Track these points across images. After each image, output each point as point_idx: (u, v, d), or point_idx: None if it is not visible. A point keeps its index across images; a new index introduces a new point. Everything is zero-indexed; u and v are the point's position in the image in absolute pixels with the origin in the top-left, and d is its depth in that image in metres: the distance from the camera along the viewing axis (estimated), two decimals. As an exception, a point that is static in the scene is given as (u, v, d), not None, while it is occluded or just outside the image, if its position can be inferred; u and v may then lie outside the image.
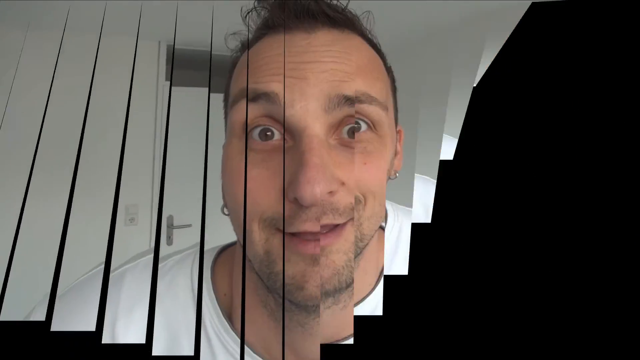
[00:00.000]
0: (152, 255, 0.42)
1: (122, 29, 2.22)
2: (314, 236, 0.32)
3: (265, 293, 0.36)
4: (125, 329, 0.38)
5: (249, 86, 0.34)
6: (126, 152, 2.10)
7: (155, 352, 0.37)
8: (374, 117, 0.35)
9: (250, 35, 0.39)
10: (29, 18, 2.01)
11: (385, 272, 0.44)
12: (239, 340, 0.37)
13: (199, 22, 1.99)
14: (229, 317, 0.39)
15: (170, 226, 2.13)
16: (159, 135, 2.18)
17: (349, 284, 0.34)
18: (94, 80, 2.05)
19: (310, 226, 0.32)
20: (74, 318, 0.39)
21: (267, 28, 0.37)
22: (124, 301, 0.39)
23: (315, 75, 0.33)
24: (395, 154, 0.42)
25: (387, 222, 0.46)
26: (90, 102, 2.08)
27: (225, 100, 0.41)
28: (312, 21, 0.36)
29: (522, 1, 1.60)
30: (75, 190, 1.94)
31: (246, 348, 0.38)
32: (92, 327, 0.38)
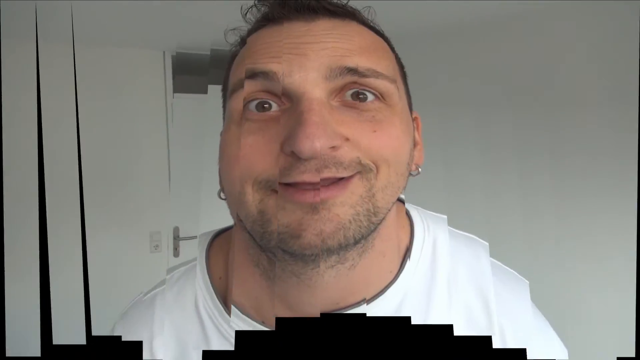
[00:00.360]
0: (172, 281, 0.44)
1: (126, 37, 2.27)
2: (314, 186, 0.29)
3: (258, 252, 0.34)
4: (161, 346, 0.40)
5: (247, 66, 0.33)
6: (143, 178, 2.15)
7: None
8: (381, 89, 0.33)
9: (249, 28, 0.39)
10: (34, 31, 2.02)
11: (419, 320, 0.35)
12: (231, 323, 0.37)
13: (200, 24, 2.01)
14: (224, 301, 0.38)
15: (177, 238, 2.20)
16: (172, 153, 2.17)
17: (358, 240, 0.31)
18: (106, 104, 2.04)
19: (308, 177, 0.29)
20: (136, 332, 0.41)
21: (267, 20, 0.37)
22: (157, 322, 0.41)
23: (315, 52, 0.32)
24: (415, 144, 0.38)
25: (414, 236, 0.40)
26: (102, 130, 2.07)
27: (224, 90, 0.40)
28: (312, 13, 0.35)
29: (528, 1, 1.59)
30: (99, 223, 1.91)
31: (235, 309, 0.36)
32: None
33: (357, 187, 0.31)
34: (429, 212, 0.43)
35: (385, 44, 0.38)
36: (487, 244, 0.42)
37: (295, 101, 0.31)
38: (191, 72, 2.59)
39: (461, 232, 0.43)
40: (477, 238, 0.43)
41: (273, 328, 0.34)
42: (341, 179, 0.30)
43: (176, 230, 2.11)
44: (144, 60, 2.19)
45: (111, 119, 2.15)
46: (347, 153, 0.30)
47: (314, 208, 0.29)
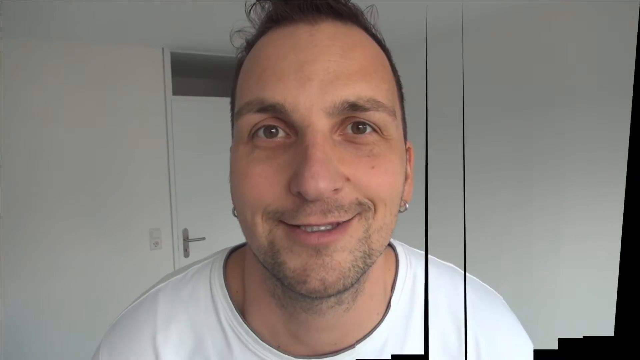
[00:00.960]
0: (178, 276, 0.46)
1: (125, 36, 2.26)
2: (318, 227, 0.32)
3: (273, 282, 0.38)
4: (164, 341, 0.42)
5: (255, 94, 0.34)
6: (142, 176, 2.16)
7: (185, 350, 0.42)
8: (379, 123, 0.34)
9: (254, 30, 0.39)
10: (34, 29, 2.04)
11: (397, 350, 0.39)
12: (250, 332, 0.40)
13: (202, 23, 2.00)
14: (242, 311, 0.42)
15: (186, 239, 2.23)
16: (171, 152, 2.24)
17: (354, 284, 0.34)
18: (104, 103, 2.04)
19: (315, 219, 0.32)
20: (126, 344, 0.43)
21: (272, 22, 0.37)
22: (160, 318, 0.43)
23: (319, 77, 0.33)
24: (405, 177, 0.39)
25: (398, 270, 0.44)
26: (101, 127, 2.09)
27: (232, 102, 0.40)
28: (315, 13, 0.35)
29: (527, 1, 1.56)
30: (99, 223, 1.94)
31: (255, 337, 0.40)
32: (142, 349, 0.42)
33: (355, 229, 0.33)
34: (412, 248, 0.47)
35: (385, 59, 0.39)
36: (463, 272, 0.45)
37: (300, 134, 0.33)
38: (193, 74, 2.56)
39: (444, 262, 0.47)
40: (457, 268, 0.47)
41: (287, 351, 0.40)
42: (342, 221, 0.32)
43: (185, 232, 2.14)
44: (143, 58, 2.16)
45: (110, 116, 2.14)
46: (347, 195, 0.32)
47: (317, 251, 0.32)
